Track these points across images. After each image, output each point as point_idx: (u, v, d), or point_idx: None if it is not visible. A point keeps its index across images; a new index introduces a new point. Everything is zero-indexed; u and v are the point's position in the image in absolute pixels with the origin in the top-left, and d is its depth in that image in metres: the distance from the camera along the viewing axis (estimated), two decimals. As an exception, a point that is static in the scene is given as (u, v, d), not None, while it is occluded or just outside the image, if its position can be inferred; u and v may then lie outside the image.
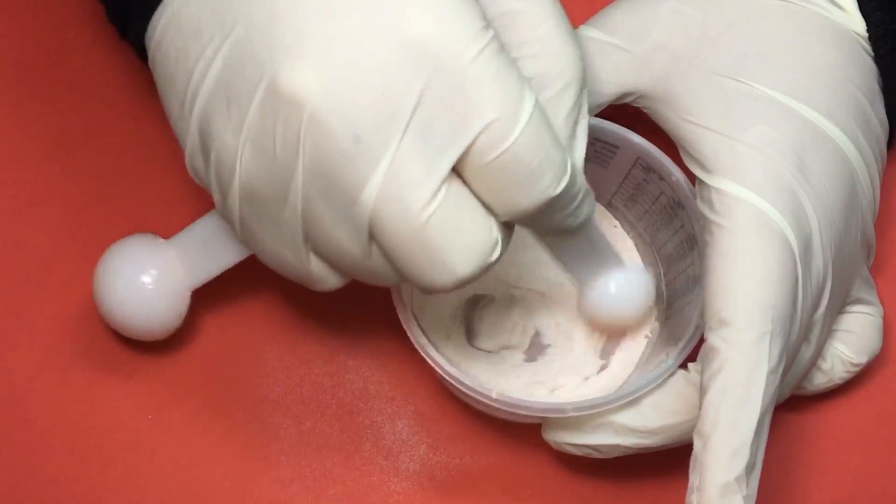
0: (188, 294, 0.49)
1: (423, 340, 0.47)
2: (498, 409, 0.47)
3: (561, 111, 0.41)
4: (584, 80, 0.42)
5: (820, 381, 0.50)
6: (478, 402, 0.47)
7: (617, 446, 0.47)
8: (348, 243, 0.40)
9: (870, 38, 0.48)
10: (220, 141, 0.40)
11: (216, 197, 0.42)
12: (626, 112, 0.50)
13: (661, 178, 0.49)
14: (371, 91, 0.37)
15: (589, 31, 0.49)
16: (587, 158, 0.50)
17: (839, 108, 0.46)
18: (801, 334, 0.45)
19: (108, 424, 0.52)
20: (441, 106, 0.38)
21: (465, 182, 0.39)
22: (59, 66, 0.56)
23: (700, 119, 0.46)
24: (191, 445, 0.51)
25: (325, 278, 0.42)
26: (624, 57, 0.48)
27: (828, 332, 0.48)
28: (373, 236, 0.39)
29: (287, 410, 0.52)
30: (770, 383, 0.42)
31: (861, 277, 0.49)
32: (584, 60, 0.42)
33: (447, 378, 0.46)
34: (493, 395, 0.46)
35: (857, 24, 0.48)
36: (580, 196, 0.41)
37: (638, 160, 0.49)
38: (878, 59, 0.48)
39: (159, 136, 0.54)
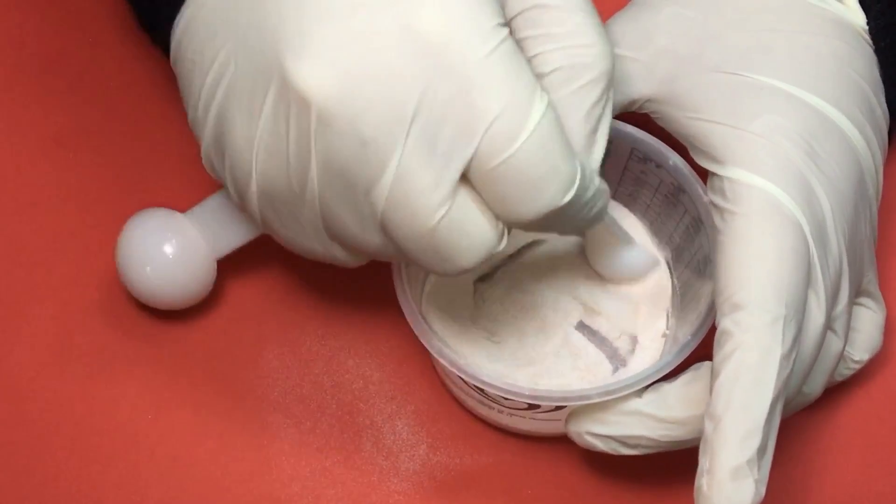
0: (214, 263, 0.50)
1: (437, 344, 0.46)
2: (519, 416, 0.47)
3: (585, 104, 0.41)
4: (613, 77, 0.42)
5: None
6: (500, 411, 0.47)
7: (643, 437, 0.46)
8: (366, 237, 0.41)
9: (870, 31, 0.48)
10: (235, 144, 0.40)
11: (234, 196, 0.43)
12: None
13: (659, 166, 0.49)
14: (376, 92, 0.38)
15: None
16: None
17: (845, 97, 0.46)
18: (826, 323, 0.45)
19: (108, 424, 0.52)
20: (448, 109, 0.38)
21: (471, 186, 0.39)
22: (61, 65, 0.57)
23: (708, 115, 0.46)
24: (191, 445, 0.51)
25: (350, 260, 0.43)
26: (630, 66, 0.48)
27: (850, 322, 0.47)
28: (384, 233, 0.40)
29: (287, 410, 0.52)
30: (783, 367, 0.42)
31: (871, 268, 0.49)
32: (614, 57, 0.42)
33: (465, 377, 0.46)
34: (514, 389, 0.45)
35: (858, 17, 0.48)
36: (592, 201, 0.41)
37: (633, 151, 0.49)
38: (879, 51, 0.48)
39: (158, 133, 0.54)
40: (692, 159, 0.47)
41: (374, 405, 0.52)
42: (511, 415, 0.49)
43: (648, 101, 0.48)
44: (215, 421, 0.52)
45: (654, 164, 0.49)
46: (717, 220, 0.45)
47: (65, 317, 0.53)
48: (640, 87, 0.48)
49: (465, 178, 0.39)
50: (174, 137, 0.55)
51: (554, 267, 0.52)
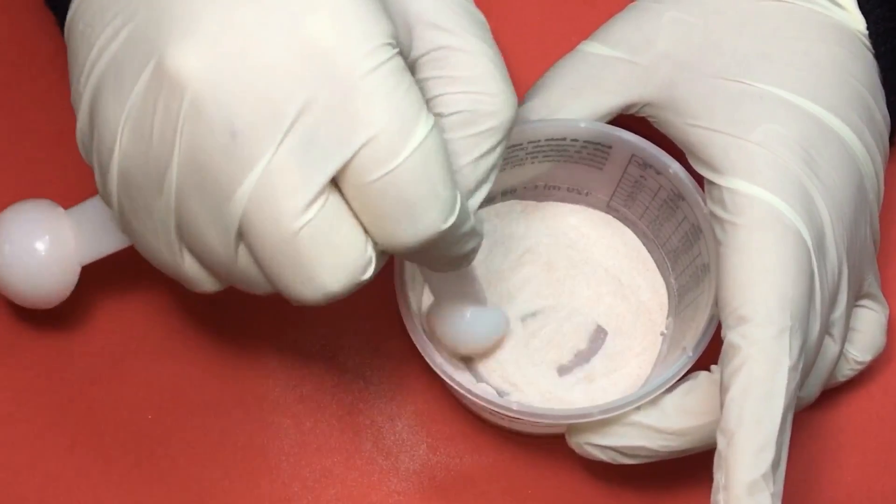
0: (77, 268, 0.48)
1: (439, 360, 0.46)
2: (520, 422, 0.47)
3: (478, 150, 0.41)
4: (510, 129, 0.41)
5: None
6: (501, 416, 0.47)
7: (642, 448, 0.47)
8: (218, 244, 0.39)
9: (870, 36, 0.48)
10: (103, 118, 0.39)
11: (97, 178, 0.41)
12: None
13: (659, 173, 0.49)
14: (255, 86, 0.37)
15: (592, 47, 0.49)
16: (581, 161, 0.50)
17: (844, 104, 0.46)
18: (822, 330, 0.45)
19: (107, 424, 0.52)
20: (328, 115, 0.37)
21: (345, 199, 0.38)
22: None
23: (707, 122, 0.46)
24: (190, 445, 0.51)
25: (200, 279, 0.41)
26: (629, 69, 0.48)
27: (848, 327, 0.48)
28: (243, 239, 0.38)
29: (287, 410, 0.52)
30: (791, 379, 0.42)
31: (872, 271, 0.49)
32: (517, 110, 0.41)
33: (470, 396, 0.46)
34: (514, 408, 0.46)
35: (858, 22, 0.48)
36: (467, 237, 0.40)
37: (633, 157, 0.49)
38: (879, 56, 0.48)
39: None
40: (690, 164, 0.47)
41: (374, 405, 0.52)
42: (511, 421, 0.49)
43: (647, 105, 0.48)
44: (215, 421, 0.52)
45: (654, 171, 0.49)
46: (717, 231, 0.45)
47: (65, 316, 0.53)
48: (640, 91, 0.48)
49: (337, 191, 0.38)
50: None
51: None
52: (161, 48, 0.37)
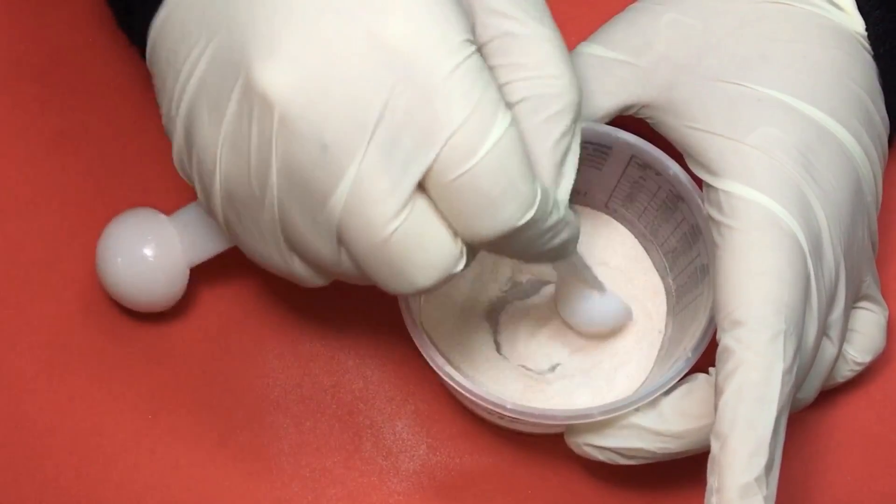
0: (187, 270, 0.50)
1: (439, 359, 0.46)
2: (520, 421, 0.47)
3: (552, 135, 0.41)
4: (580, 109, 0.42)
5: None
6: (500, 416, 0.47)
7: (640, 450, 0.47)
8: (322, 248, 0.40)
9: (869, 37, 0.48)
10: (201, 142, 0.40)
11: (200, 196, 0.42)
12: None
13: (658, 174, 0.49)
14: (340, 98, 0.37)
15: (591, 48, 0.49)
16: (581, 162, 0.50)
17: (842, 107, 0.46)
18: (819, 333, 0.45)
19: (108, 424, 0.52)
20: (409, 118, 0.37)
21: (430, 199, 0.39)
22: (60, 66, 0.56)
23: (705, 125, 0.46)
24: (191, 445, 0.51)
25: (309, 277, 0.42)
26: (628, 71, 0.48)
27: (846, 329, 0.48)
28: (342, 244, 0.40)
29: (287, 410, 0.52)
30: (785, 382, 0.42)
31: (870, 273, 0.49)
32: (581, 90, 0.42)
33: (468, 395, 0.46)
34: (508, 406, 0.46)
35: (856, 24, 0.48)
36: (555, 229, 0.41)
37: (633, 158, 0.49)
38: (878, 57, 0.48)
39: (154, 131, 0.54)
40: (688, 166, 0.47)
41: (374, 405, 0.53)
42: (511, 421, 0.49)
43: (645, 107, 0.48)
44: (215, 421, 0.52)
45: (653, 172, 0.49)
46: (714, 234, 0.45)
47: (64, 317, 0.53)
48: (638, 92, 0.48)
49: (426, 192, 0.39)
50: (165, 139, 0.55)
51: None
52: (247, 68, 0.38)
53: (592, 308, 0.50)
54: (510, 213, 0.39)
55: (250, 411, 0.52)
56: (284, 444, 0.52)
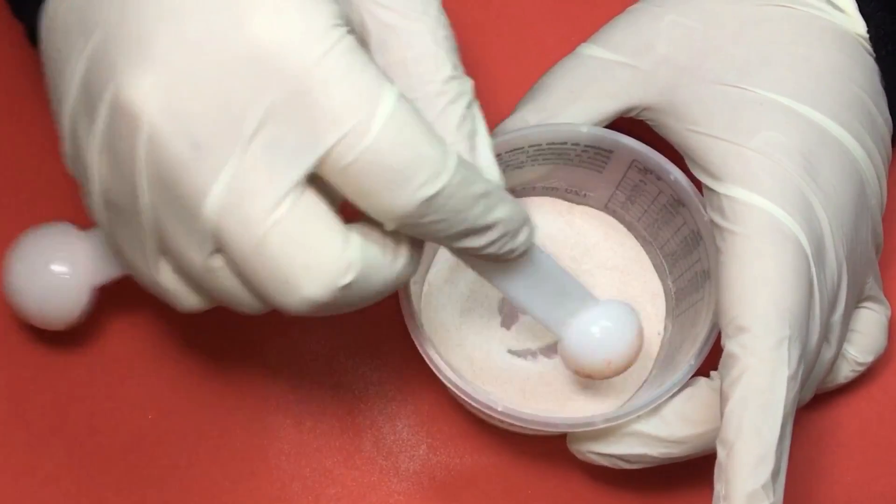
0: (89, 290, 0.48)
1: (438, 360, 0.46)
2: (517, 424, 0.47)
3: (453, 120, 0.40)
4: (471, 96, 0.40)
5: (825, 380, 0.49)
6: (500, 420, 0.47)
7: (644, 455, 0.47)
8: (196, 256, 0.38)
9: (871, 39, 0.48)
10: (82, 146, 0.39)
11: (84, 199, 0.41)
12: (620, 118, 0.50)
13: (659, 178, 0.48)
14: (210, 97, 0.36)
15: (591, 50, 0.49)
16: (581, 164, 0.50)
17: (844, 110, 0.46)
18: (821, 336, 0.45)
19: (108, 424, 0.52)
20: (288, 110, 0.36)
21: (330, 189, 0.37)
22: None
23: (707, 128, 0.46)
24: (190, 445, 0.51)
25: (184, 297, 0.41)
26: (629, 73, 0.48)
27: (846, 331, 0.48)
28: (219, 250, 0.38)
29: (287, 410, 0.52)
30: (791, 388, 0.42)
31: (873, 275, 0.49)
32: (471, 81, 0.41)
33: (463, 396, 0.46)
34: (500, 408, 0.46)
35: (858, 26, 0.48)
36: (489, 201, 0.38)
37: (633, 163, 0.49)
38: (880, 59, 0.48)
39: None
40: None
41: (374, 405, 0.52)
42: (511, 423, 0.49)
43: (646, 109, 0.48)
44: (215, 421, 0.52)
45: (654, 176, 0.49)
46: (717, 239, 0.45)
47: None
48: (639, 94, 0.48)
49: (311, 188, 0.37)
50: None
51: None
52: (117, 76, 0.37)
53: (596, 332, 0.46)
54: (423, 178, 0.37)
55: (250, 411, 0.52)
56: (284, 444, 0.52)
